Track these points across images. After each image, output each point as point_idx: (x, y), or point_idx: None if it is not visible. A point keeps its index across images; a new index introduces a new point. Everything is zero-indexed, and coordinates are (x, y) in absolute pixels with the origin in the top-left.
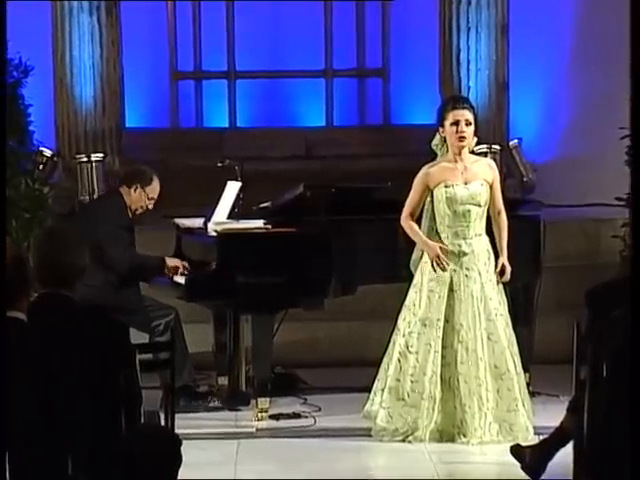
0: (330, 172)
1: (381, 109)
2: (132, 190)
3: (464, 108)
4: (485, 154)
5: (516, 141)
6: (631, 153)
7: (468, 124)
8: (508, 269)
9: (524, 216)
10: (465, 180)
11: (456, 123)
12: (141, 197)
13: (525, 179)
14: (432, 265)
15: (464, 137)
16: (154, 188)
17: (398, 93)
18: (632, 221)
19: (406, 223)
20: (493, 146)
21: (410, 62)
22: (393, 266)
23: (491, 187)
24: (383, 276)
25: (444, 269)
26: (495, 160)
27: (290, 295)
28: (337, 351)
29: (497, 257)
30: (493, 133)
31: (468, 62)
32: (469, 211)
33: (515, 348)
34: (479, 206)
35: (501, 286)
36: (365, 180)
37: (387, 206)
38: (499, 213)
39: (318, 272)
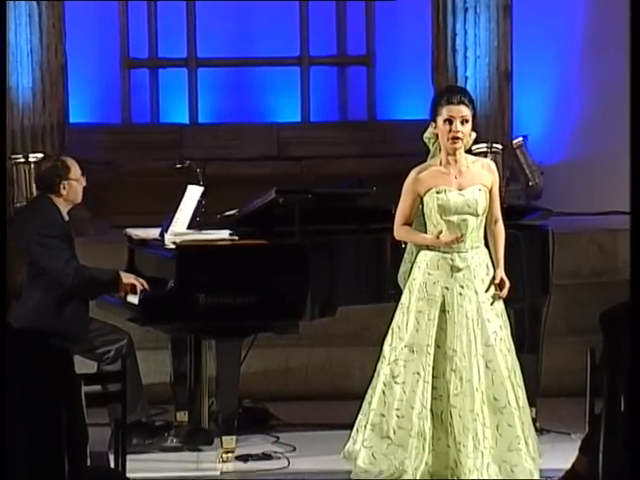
0: (306, 175)
1: (365, 102)
2: (59, 191)
3: (460, 103)
4: (485, 154)
5: (521, 139)
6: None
7: (464, 122)
8: (507, 283)
9: (530, 226)
10: (460, 185)
11: (449, 121)
12: (72, 190)
13: (531, 183)
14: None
15: (458, 138)
16: (75, 171)
17: (385, 84)
18: (632, 227)
19: (399, 232)
20: (494, 145)
21: (398, 48)
22: (379, 284)
23: (490, 192)
24: (368, 295)
25: (460, 239)
26: (496, 161)
27: (260, 317)
28: (314, 382)
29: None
30: (494, 130)
31: (465, 48)
32: (465, 221)
33: (518, 378)
34: (476, 215)
35: (502, 306)
36: (347, 184)
37: (372, 214)
38: (496, 222)
39: (292, 290)
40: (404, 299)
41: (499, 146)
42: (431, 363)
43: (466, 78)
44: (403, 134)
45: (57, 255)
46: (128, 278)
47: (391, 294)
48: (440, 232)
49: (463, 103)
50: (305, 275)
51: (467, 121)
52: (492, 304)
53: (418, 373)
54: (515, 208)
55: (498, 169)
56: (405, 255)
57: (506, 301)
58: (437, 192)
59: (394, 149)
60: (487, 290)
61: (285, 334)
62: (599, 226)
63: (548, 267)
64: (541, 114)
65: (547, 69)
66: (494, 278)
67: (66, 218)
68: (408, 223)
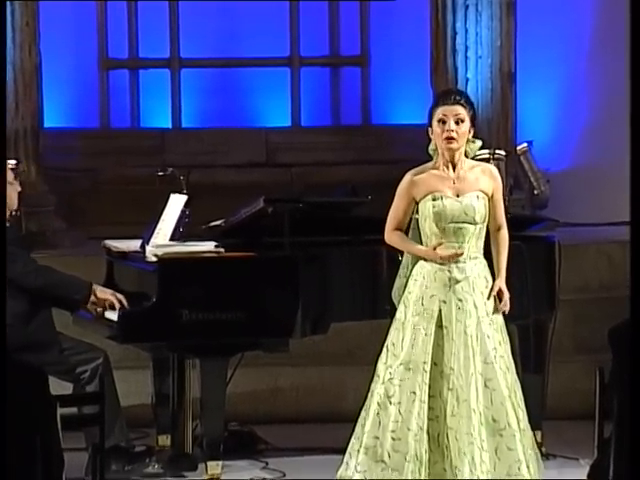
0: (297, 183)
1: (359, 106)
2: None
3: (454, 103)
4: (487, 161)
5: (525, 145)
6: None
7: (459, 122)
8: (506, 295)
9: (535, 237)
10: (457, 191)
11: (443, 121)
12: (8, 192)
13: (536, 191)
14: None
15: (452, 138)
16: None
17: (380, 86)
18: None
19: (391, 236)
20: (497, 151)
21: (395, 48)
22: (374, 298)
23: (491, 199)
24: (362, 311)
25: (459, 253)
26: (499, 168)
27: (247, 334)
28: (305, 403)
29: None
30: (497, 135)
31: (466, 48)
32: (461, 229)
33: (519, 398)
34: (474, 223)
35: (502, 321)
36: (340, 193)
37: (367, 224)
38: (499, 229)
39: (282, 306)
40: (399, 314)
41: (502, 152)
42: (427, 382)
43: (467, 80)
44: (400, 139)
45: (13, 260)
46: (104, 293)
47: (387, 310)
48: (439, 244)
49: (458, 103)
50: (295, 289)
51: (462, 121)
52: (492, 318)
53: (414, 392)
54: (519, 218)
55: (501, 177)
56: (400, 269)
57: (509, 317)
58: (433, 199)
59: (390, 155)
60: (488, 298)
61: (274, 352)
62: (608, 237)
63: (554, 281)
64: (547, 118)
65: (553, 70)
66: (492, 289)
67: (9, 222)
68: (400, 228)
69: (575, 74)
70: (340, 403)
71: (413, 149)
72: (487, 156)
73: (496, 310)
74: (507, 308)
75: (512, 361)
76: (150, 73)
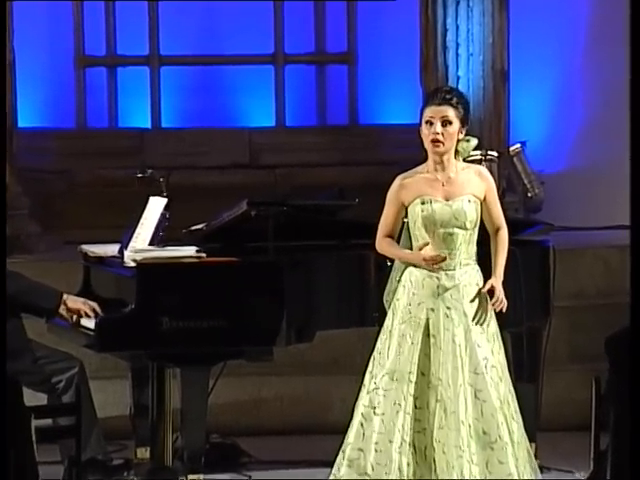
0: (281, 185)
1: (347, 105)
2: None
3: (442, 103)
4: (479, 162)
5: (518, 146)
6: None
7: (446, 123)
8: (499, 293)
9: (528, 242)
10: (447, 195)
11: (430, 122)
12: None
13: (530, 194)
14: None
15: (438, 141)
16: None
17: (368, 85)
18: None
19: (380, 244)
20: (489, 152)
21: (383, 45)
22: (362, 306)
23: (484, 202)
24: (349, 318)
25: (443, 257)
26: (491, 170)
27: (230, 343)
28: (290, 414)
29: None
30: (489, 135)
31: (457, 45)
32: (452, 235)
33: (513, 410)
34: (465, 228)
35: (495, 330)
36: (326, 196)
37: (354, 229)
38: (497, 230)
39: (266, 313)
40: (387, 322)
41: (494, 153)
42: (413, 392)
43: (458, 78)
44: (388, 140)
45: None
46: (76, 303)
47: (375, 317)
48: (426, 244)
49: (447, 103)
50: (280, 296)
51: (450, 122)
52: (482, 324)
53: (399, 404)
54: (512, 222)
55: (494, 179)
56: (392, 273)
57: (502, 325)
58: (422, 202)
59: (378, 156)
60: (473, 300)
61: (258, 361)
62: (605, 242)
63: (549, 287)
64: (541, 117)
65: (547, 67)
66: (483, 287)
67: None
68: (391, 235)
69: (570, 72)
70: (326, 414)
71: (402, 150)
72: (479, 157)
73: (485, 312)
74: (501, 306)
75: (506, 371)
76: (128, 71)
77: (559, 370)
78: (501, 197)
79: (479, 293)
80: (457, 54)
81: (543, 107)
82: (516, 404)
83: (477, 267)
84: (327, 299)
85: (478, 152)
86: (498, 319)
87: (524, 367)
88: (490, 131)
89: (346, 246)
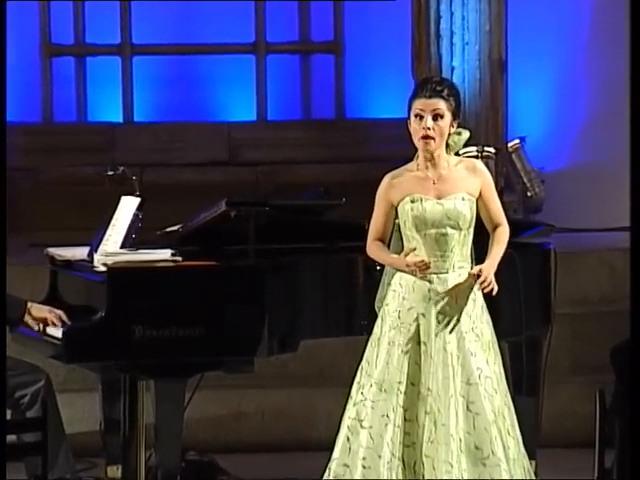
0: (263, 184)
1: (333, 98)
2: None
3: (433, 95)
4: (475, 159)
5: (517, 141)
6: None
7: (437, 117)
8: (489, 275)
9: (528, 245)
10: (439, 193)
11: (420, 116)
12: None
13: (529, 193)
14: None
15: (429, 137)
16: None
17: (356, 76)
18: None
19: (370, 248)
20: (485, 148)
21: (372, 33)
22: (349, 313)
23: (480, 199)
24: (336, 327)
25: (428, 263)
26: (488, 167)
27: (208, 353)
28: (272, 430)
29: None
30: (485, 131)
31: (451, 33)
32: (444, 235)
33: (509, 425)
34: (458, 229)
35: (492, 338)
36: (311, 195)
37: (341, 230)
38: (496, 227)
39: (246, 321)
40: (376, 329)
41: (491, 150)
42: (402, 403)
43: (452, 68)
44: (378, 135)
45: None
46: (41, 311)
47: (364, 325)
48: (412, 250)
49: (438, 95)
50: (261, 303)
51: (441, 116)
52: (477, 334)
53: (387, 416)
54: (511, 223)
55: (491, 174)
56: (383, 277)
57: (499, 333)
58: (411, 201)
59: (367, 153)
60: (458, 285)
61: (238, 373)
62: (610, 244)
63: (550, 293)
64: (541, 111)
65: (548, 57)
66: (472, 270)
67: None
68: (382, 238)
69: (573, 61)
70: (311, 429)
71: (392, 146)
72: (474, 154)
73: (470, 300)
74: (489, 288)
75: (503, 383)
76: (98, 61)
77: (561, 382)
78: (499, 197)
79: (468, 279)
80: (451, 43)
81: (544, 100)
82: (514, 418)
83: (470, 268)
84: (312, 306)
85: (474, 148)
86: (495, 327)
87: (523, 379)
88: (487, 126)
89: (332, 249)
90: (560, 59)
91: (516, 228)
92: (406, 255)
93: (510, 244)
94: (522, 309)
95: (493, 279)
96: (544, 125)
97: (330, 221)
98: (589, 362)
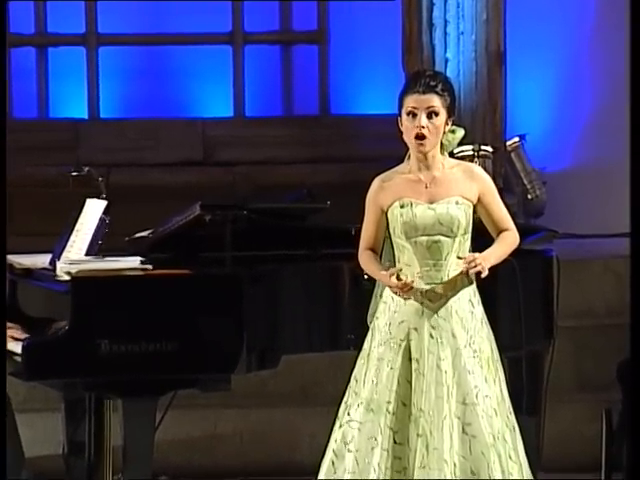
0: (241, 185)
1: (317, 92)
2: None
3: (426, 91)
4: (470, 159)
5: (517, 140)
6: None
7: (432, 114)
8: (480, 263)
9: (528, 252)
10: (431, 197)
11: (413, 114)
12: None
13: (530, 196)
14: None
15: (423, 136)
16: None
17: (341, 68)
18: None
19: (361, 258)
20: (482, 147)
21: (358, 22)
22: (334, 326)
23: (479, 205)
24: (320, 341)
25: (410, 284)
26: (485, 167)
27: (180, 370)
28: (250, 452)
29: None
30: (482, 128)
31: (445, 22)
32: (437, 243)
33: (510, 448)
34: (452, 236)
35: (491, 354)
36: (293, 197)
37: (326, 236)
38: (502, 233)
39: (222, 335)
40: (366, 344)
41: (489, 148)
42: (392, 425)
43: (446, 60)
44: (365, 132)
45: None
46: None
47: (350, 339)
48: (399, 270)
49: (432, 91)
50: (239, 315)
51: (436, 114)
52: (475, 349)
53: (375, 438)
54: None
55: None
56: (375, 288)
57: (498, 348)
58: (401, 206)
59: (354, 152)
60: (464, 261)
61: (213, 391)
62: (617, 251)
63: (552, 304)
64: (543, 107)
65: (550, 49)
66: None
67: None
68: (374, 247)
69: (577, 54)
70: (293, 453)
71: (382, 144)
72: (471, 153)
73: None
74: (475, 269)
75: (506, 402)
76: (61, 51)
77: (564, 401)
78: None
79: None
80: (445, 32)
81: (545, 94)
82: (517, 442)
83: (471, 279)
84: (294, 318)
85: (470, 147)
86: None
87: (523, 397)
88: (484, 123)
89: (316, 256)
90: (563, 50)
91: None
92: (391, 275)
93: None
94: (522, 322)
95: (482, 261)
96: (546, 122)
97: (314, 226)
98: (594, 379)
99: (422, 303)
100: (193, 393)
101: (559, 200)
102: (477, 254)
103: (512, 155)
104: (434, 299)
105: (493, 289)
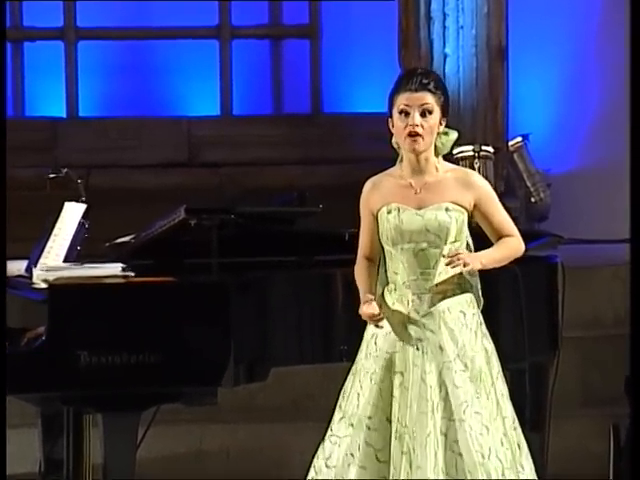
0: (228, 187)
1: (308, 89)
2: None
3: (420, 89)
4: (470, 160)
5: (519, 140)
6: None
7: (425, 113)
8: (464, 258)
9: (532, 258)
10: (420, 202)
11: (405, 112)
12: None
13: (533, 199)
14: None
15: (416, 134)
16: None
17: (334, 65)
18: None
19: (356, 267)
20: (483, 148)
21: (352, 15)
22: (326, 337)
23: (477, 213)
24: (311, 352)
25: (378, 316)
26: (486, 169)
27: (164, 383)
28: (238, 469)
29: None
30: (483, 127)
31: (444, 16)
32: (424, 250)
33: (505, 467)
34: (441, 243)
35: (484, 367)
36: (283, 201)
37: (318, 242)
38: (503, 238)
39: (208, 346)
40: (358, 357)
41: (490, 149)
42: (373, 442)
43: (445, 56)
44: (359, 132)
45: None
46: None
47: (343, 351)
48: (370, 299)
49: (425, 88)
50: (226, 325)
51: (430, 112)
52: (466, 362)
53: (352, 454)
54: None
55: (489, 180)
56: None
57: (499, 360)
58: (388, 212)
59: (347, 152)
60: (448, 256)
61: (199, 405)
62: (626, 258)
63: (557, 313)
64: (547, 106)
65: (554, 45)
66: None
67: None
68: (370, 254)
69: (582, 50)
70: (282, 470)
71: (376, 145)
72: (471, 154)
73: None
74: (456, 263)
75: (508, 419)
76: (38, 46)
77: (570, 416)
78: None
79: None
80: (444, 27)
81: (549, 92)
82: (513, 460)
83: (461, 289)
84: (285, 328)
85: (470, 147)
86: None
87: (527, 412)
88: (485, 122)
89: (308, 263)
90: (568, 45)
91: None
92: (365, 302)
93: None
94: (525, 332)
95: (467, 258)
96: (550, 121)
97: (305, 231)
98: (602, 393)
99: (409, 314)
100: (177, 407)
101: (564, 203)
102: (464, 250)
103: (514, 156)
104: (421, 310)
105: (495, 297)
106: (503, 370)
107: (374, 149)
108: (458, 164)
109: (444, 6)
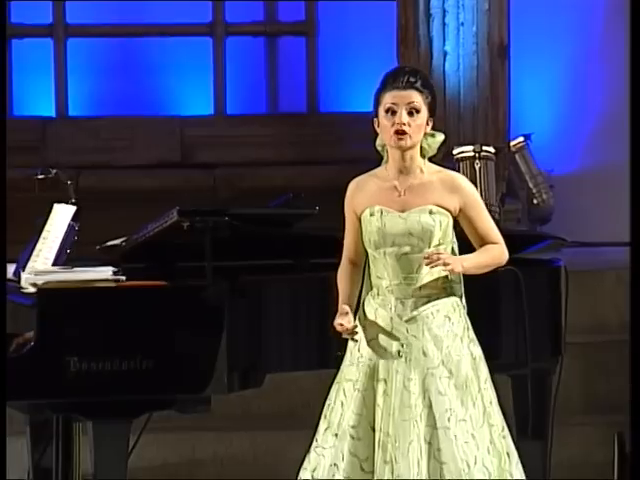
0: (221, 189)
1: (304, 88)
2: None
3: (407, 87)
4: (471, 161)
5: (521, 140)
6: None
7: (413, 112)
8: (445, 259)
9: (534, 261)
10: (404, 205)
11: (392, 110)
12: None
13: (536, 200)
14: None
15: (403, 132)
16: None
17: (331, 63)
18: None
19: (339, 271)
20: (484, 148)
21: (350, 13)
22: (322, 342)
23: (461, 218)
24: (307, 358)
25: (351, 330)
26: (487, 170)
27: (156, 390)
28: (233, 478)
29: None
30: (484, 127)
31: (444, 13)
32: (407, 254)
33: (492, 475)
34: (424, 248)
35: (469, 373)
36: (278, 202)
37: (313, 244)
38: (487, 245)
39: (202, 352)
40: (342, 364)
41: (491, 149)
42: (357, 451)
43: (445, 54)
44: (356, 132)
45: None
46: None
47: (340, 357)
48: (345, 312)
49: (413, 87)
50: (220, 330)
51: (417, 111)
52: (451, 369)
53: (336, 464)
54: (513, 236)
55: (488, 181)
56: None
57: (500, 366)
58: (370, 214)
59: (344, 152)
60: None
61: (191, 413)
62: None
63: (560, 318)
64: (550, 105)
65: (557, 43)
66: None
67: None
68: (354, 258)
69: (586, 48)
70: (277, 478)
71: (373, 145)
72: (471, 154)
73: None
74: (435, 263)
75: (497, 426)
76: (26, 43)
77: (573, 424)
78: (499, 205)
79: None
80: (444, 23)
81: (552, 91)
82: (513, 468)
83: (445, 293)
84: (280, 334)
85: (470, 147)
86: (495, 359)
87: (529, 419)
88: (486, 121)
89: (304, 266)
90: (571, 42)
91: (520, 242)
92: (340, 314)
93: (513, 260)
94: (527, 337)
95: (448, 260)
96: (553, 120)
97: (301, 233)
98: (606, 400)
99: (391, 319)
100: (169, 415)
101: (567, 205)
102: (445, 250)
103: (516, 156)
104: (405, 315)
105: (495, 302)
106: (492, 376)
107: (371, 149)
108: (459, 164)
109: (444, 2)
